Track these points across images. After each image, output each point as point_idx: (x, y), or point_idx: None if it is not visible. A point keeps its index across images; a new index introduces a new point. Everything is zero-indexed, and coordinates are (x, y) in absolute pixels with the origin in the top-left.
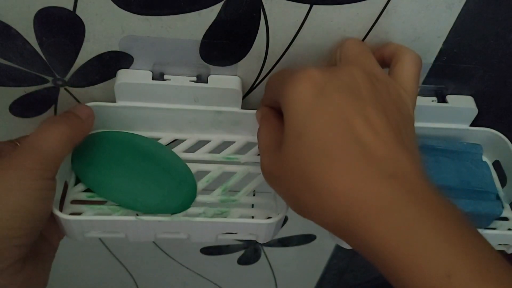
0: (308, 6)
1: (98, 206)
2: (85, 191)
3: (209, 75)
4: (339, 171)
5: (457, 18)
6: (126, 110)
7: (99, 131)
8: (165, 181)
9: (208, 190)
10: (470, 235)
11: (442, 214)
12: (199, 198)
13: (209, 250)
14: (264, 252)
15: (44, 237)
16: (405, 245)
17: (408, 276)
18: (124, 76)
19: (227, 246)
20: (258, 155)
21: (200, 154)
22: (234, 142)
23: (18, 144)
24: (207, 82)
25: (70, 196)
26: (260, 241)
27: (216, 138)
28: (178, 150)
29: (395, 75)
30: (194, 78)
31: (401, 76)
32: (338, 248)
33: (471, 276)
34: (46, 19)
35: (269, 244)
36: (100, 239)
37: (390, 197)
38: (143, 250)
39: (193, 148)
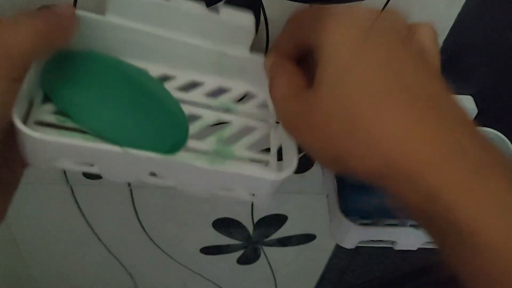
0: (307, 5)
1: (68, 133)
2: (55, 113)
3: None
4: (392, 113)
5: (457, 16)
6: (115, 29)
7: (80, 50)
8: (155, 116)
9: (200, 137)
10: None
11: (503, 161)
12: (191, 143)
13: (208, 250)
14: (264, 252)
15: (5, 161)
16: (467, 193)
17: (474, 234)
18: None
19: (227, 245)
20: (259, 106)
21: (194, 95)
22: (230, 89)
23: None
24: (218, 14)
25: (34, 116)
26: (257, 201)
27: (211, 81)
28: (169, 87)
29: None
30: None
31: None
32: (338, 247)
33: None
34: None
35: (268, 244)
36: (99, 238)
37: (449, 143)
38: (143, 249)
39: (185, 88)
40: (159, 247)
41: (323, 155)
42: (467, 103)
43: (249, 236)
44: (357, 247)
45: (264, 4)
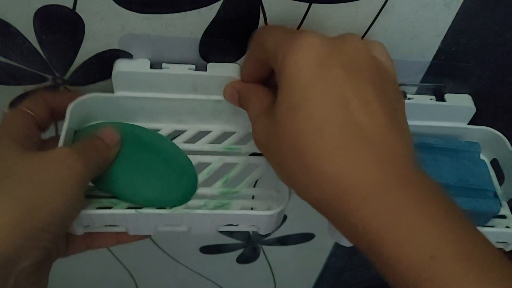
0: (307, 4)
1: (97, 200)
2: None
3: (208, 63)
4: (332, 150)
5: (455, 16)
6: (125, 101)
7: (98, 122)
8: (166, 173)
9: (209, 181)
10: (456, 219)
11: (428, 198)
12: (200, 190)
13: (208, 249)
14: (263, 251)
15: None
16: (389, 228)
17: (392, 258)
18: (121, 65)
19: (226, 245)
20: None
21: (200, 145)
22: (234, 132)
23: None
24: (206, 70)
25: None
26: (261, 232)
27: (216, 128)
28: (178, 141)
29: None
30: (193, 67)
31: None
32: (336, 246)
33: (454, 258)
34: (46, 17)
35: (268, 243)
36: None
37: (379, 181)
38: (143, 249)
39: (193, 139)
40: (159, 246)
41: (281, 176)
42: (465, 101)
43: (248, 235)
44: None
45: (263, 3)
